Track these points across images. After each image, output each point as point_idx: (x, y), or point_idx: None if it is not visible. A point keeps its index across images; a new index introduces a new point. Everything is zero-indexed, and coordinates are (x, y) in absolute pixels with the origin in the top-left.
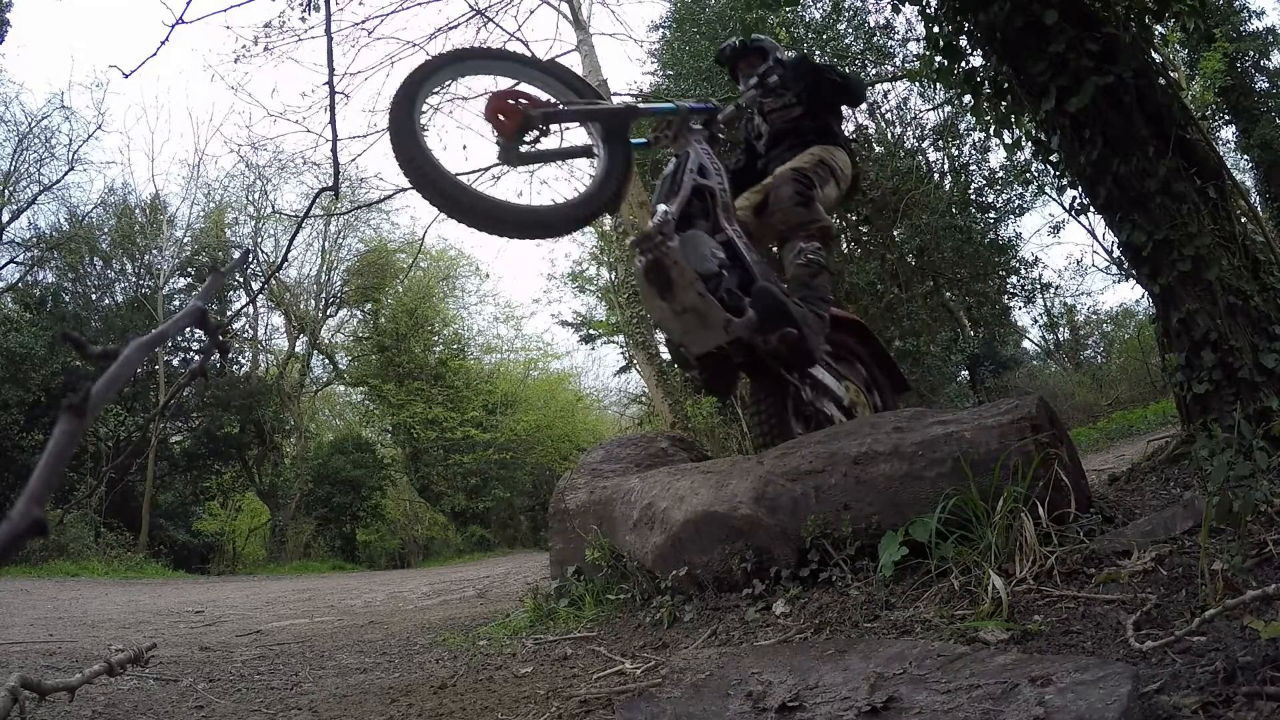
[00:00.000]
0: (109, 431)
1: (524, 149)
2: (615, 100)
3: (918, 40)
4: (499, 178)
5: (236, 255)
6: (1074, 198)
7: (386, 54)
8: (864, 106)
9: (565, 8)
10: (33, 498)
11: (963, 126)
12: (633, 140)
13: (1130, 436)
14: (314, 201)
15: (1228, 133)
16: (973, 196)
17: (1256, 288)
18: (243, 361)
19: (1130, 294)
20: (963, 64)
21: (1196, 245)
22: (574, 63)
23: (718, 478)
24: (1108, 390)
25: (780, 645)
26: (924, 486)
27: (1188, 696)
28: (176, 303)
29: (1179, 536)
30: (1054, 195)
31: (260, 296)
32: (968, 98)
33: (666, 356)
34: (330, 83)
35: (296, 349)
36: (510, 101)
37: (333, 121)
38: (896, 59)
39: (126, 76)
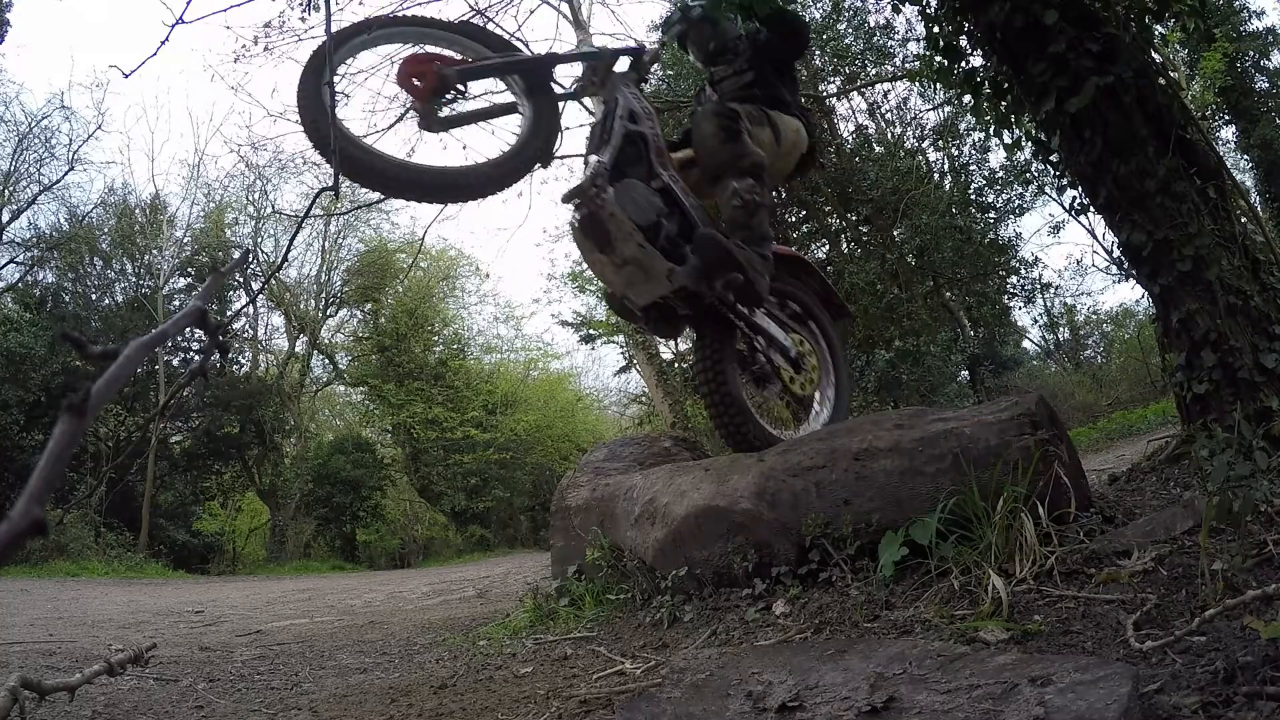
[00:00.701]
0: (109, 431)
1: (444, 113)
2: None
3: (918, 40)
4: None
5: (236, 255)
6: (1074, 198)
7: (387, 54)
8: (864, 106)
9: (565, 8)
10: (33, 497)
11: (963, 126)
12: (559, 91)
13: (1130, 436)
14: (314, 201)
15: (1228, 133)
16: (973, 196)
17: (1256, 288)
18: (243, 361)
19: (1130, 294)
20: (963, 64)
21: (1196, 245)
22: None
23: (719, 473)
24: (1108, 390)
25: (780, 645)
26: (924, 482)
27: (1188, 696)
28: (176, 303)
29: (1179, 536)
30: (1054, 195)
31: (260, 296)
32: (968, 98)
33: (667, 356)
34: (330, 82)
35: (296, 349)
36: (423, 65)
37: (333, 121)
38: (896, 59)
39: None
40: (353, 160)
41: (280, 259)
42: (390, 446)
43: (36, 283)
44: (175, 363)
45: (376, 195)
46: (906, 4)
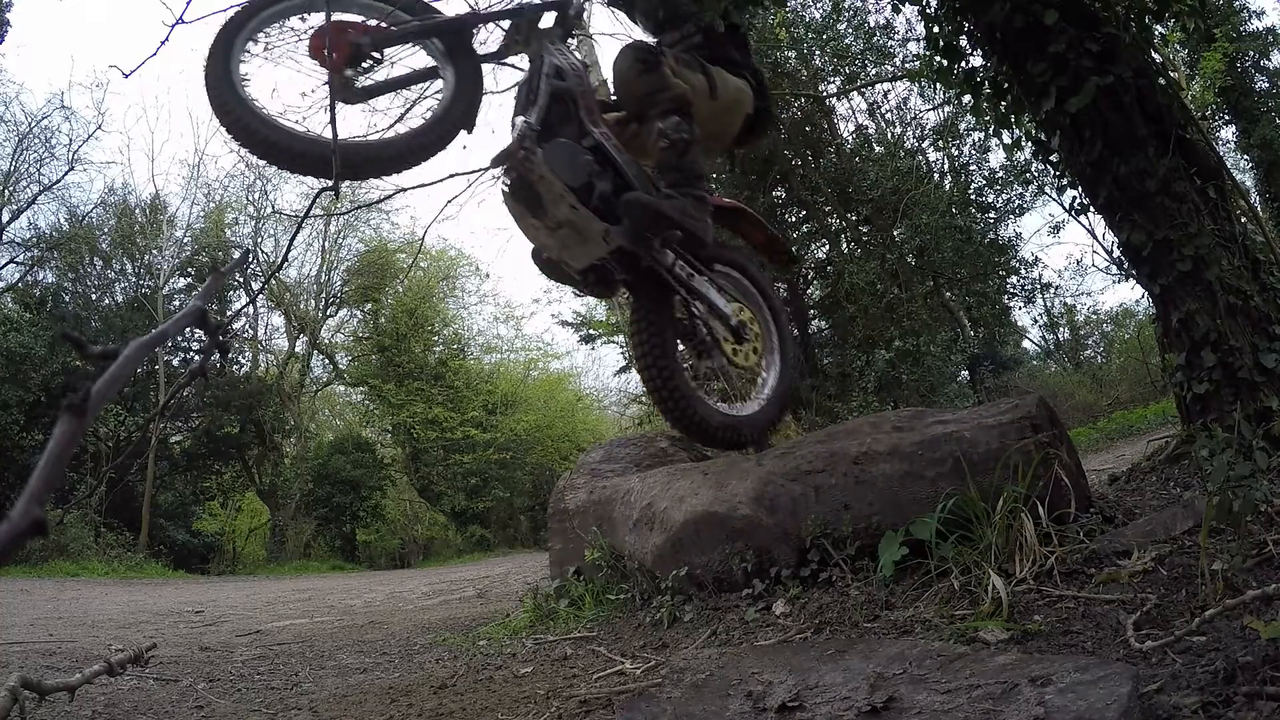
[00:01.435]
0: (109, 431)
1: (362, 83)
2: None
3: (918, 40)
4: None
5: (236, 255)
6: (1074, 198)
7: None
8: (864, 106)
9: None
10: (33, 497)
11: (963, 126)
12: (481, 52)
13: (1130, 436)
14: (314, 201)
15: (1228, 133)
16: (973, 196)
17: (1256, 288)
18: (243, 361)
19: (1130, 294)
20: (963, 64)
21: (1196, 245)
22: None
23: (717, 478)
24: (1108, 390)
25: (780, 645)
26: (924, 486)
27: (1188, 696)
28: (176, 303)
29: (1179, 536)
30: (1054, 195)
31: (260, 296)
32: (968, 98)
33: None
34: (330, 82)
35: (296, 349)
36: (336, 34)
37: (333, 121)
38: (896, 59)
39: (126, 76)
40: (254, 135)
41: (280, 259)
42: (390, 446)
43: (36, 283)
44: (175, 363)
45: (376, 195)
46: (906, 4)
